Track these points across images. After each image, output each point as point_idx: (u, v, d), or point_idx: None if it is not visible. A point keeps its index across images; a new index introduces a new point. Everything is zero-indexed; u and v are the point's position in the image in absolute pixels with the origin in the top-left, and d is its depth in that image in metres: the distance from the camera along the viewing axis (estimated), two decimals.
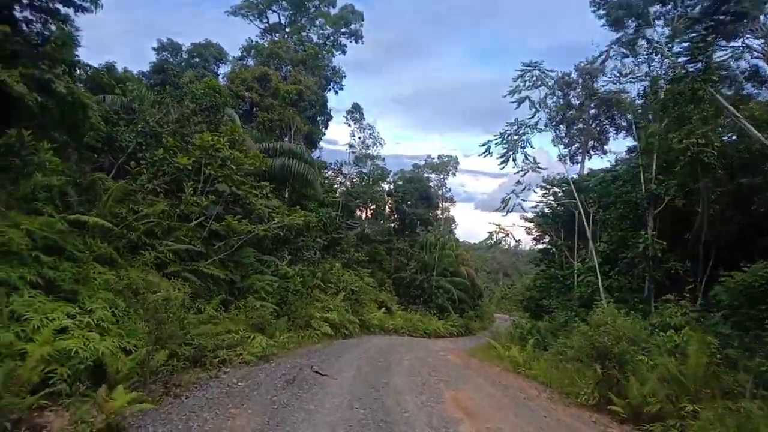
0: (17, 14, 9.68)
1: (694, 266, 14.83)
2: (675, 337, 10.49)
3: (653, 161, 16.26)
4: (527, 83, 19.67)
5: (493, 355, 15.89)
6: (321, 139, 35.15)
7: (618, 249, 17.63)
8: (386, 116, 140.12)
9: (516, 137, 19.87)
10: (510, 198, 21.37)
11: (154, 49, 33.74)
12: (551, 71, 20.53)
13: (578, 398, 9.90)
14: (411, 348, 17.54)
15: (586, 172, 33.80)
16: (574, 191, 20.31)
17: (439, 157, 50.16)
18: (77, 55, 10.98)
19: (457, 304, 39.61)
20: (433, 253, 40.05)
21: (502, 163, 20.54)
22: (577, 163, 35.35)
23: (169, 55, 33.65)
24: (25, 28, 9.85)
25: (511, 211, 22.10)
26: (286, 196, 21.60)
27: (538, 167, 20.64)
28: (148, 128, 13.83)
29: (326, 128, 35.37)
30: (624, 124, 33.35)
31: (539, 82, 19.78)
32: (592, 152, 35.59)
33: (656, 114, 17.11)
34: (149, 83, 25.35)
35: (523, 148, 20.11)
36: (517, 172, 20.42)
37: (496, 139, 20.29)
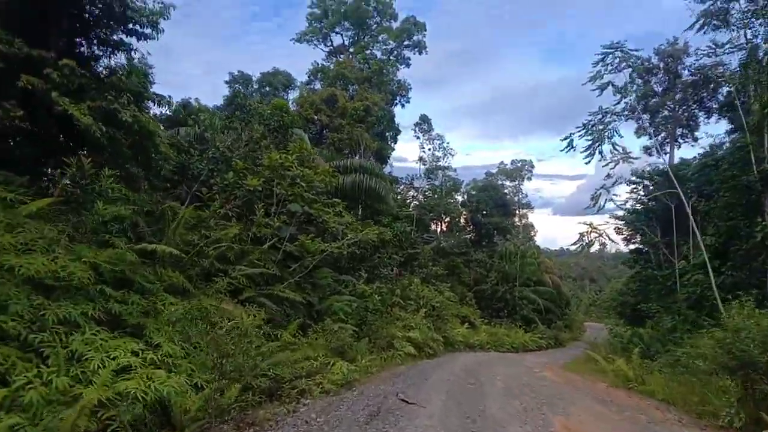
0: (84, 49, 9.76)
1: None
2: None
3: (765, 137, 13.93)
4: (609, 67, 17.91)
5: (594, 368, 14.13)
6: (390, 155, 34.56)
7: (729, 241, 15.28)
8: (455, 128, 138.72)
9: (601, 126, 18.03)
10: (600, 194, 19.46)
11: (226, 82, 34.96)
12: (635, 51, 18.60)
13: (718, 419, 8.17)
14: (501, 365, 16.12)
15: (677, 161, 30.74)
16: (674, 180, 17.94)
17: (513, 162, 48.15)
18: (146, 85, 10.89)
19: (543, 314, 37.21)
20: (513, 262, 38.03)
21: (587, 156, 18.84)
22: (666, 153, 32.20)
23: (240, 87, 34.65)
24: (92, 62, 9.87)
25: (602, 208, 20.13)
26: (360, 213, 21.01)
27: (630, 157, 18.65)
28: (218, 154, 13.71)
29: (395, 143, 34.77)
30: (715, 106, 30.07)
31: (623, 64, 17.92)
32: (681, 140, 32.29)
33: (763, 83, 14.78)
34: (223, 114, 26.05)
35: (610, 138, 18.24)
36: (606, 165, 18.56)
37: (579, 131, 18.58)
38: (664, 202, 21.19)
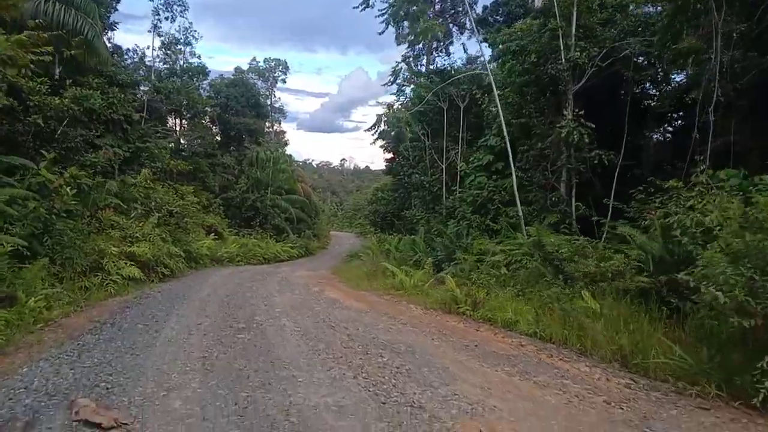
0: None
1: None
2: None
3: (573, 24, 12.13)
4: None
5: (388, 285, 11.17)
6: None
7: (519, 140, 13.85)
8: (195, 26, 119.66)
9: None
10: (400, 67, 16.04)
11: None
12: None
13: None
14: (268, 285, 11.88)
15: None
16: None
17: (266, 61, 41.89)
18: None
19: (295, 223, 34.27)
20: (265, 168, 33.44)
21: None
22: (422, 65, 31.38)
23: None
24: None
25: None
26: (58, 68, 12.95)
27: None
28: None
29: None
30: (468, 24, 30.10)
31: None
32: (435, 54, 31.77)
33: None
34: None
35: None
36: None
37: None
38: (437, 105, 19.32)
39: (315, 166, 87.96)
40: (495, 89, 13.06)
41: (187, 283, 11.52)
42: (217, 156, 32.04)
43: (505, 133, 12.41)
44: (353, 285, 12.22)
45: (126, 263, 10.17)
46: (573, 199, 11.95)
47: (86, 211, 10.24)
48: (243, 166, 34.17)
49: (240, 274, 14.80)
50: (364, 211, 46.14)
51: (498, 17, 26.83)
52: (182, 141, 31.11)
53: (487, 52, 25.63)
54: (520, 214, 11.99)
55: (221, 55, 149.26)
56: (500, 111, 12.73)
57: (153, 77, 24.65)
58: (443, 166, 18.83)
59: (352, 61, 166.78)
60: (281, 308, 8.39)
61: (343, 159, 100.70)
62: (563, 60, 11.96)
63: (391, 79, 28.89)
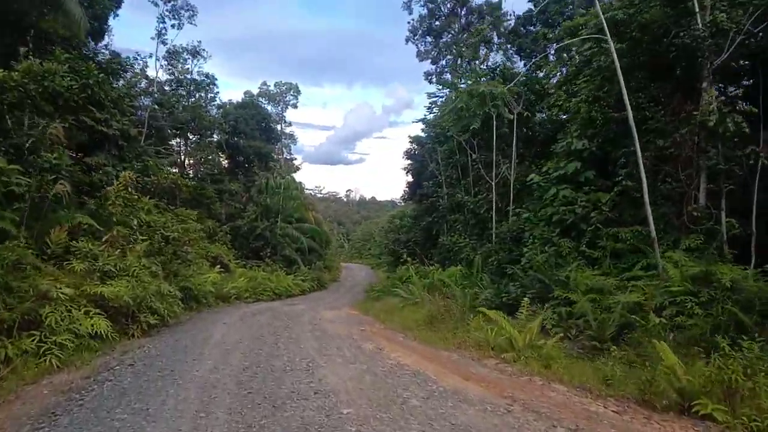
0: None
1: None
2: None
3: None
4: None
5: (477, 340, 7.29)
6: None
7: (612, 142, 10.38)
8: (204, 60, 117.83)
9: None
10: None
11: None
12: None
13: None
14: (299, 338, 7.97)
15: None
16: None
17: (276, 85, 38.85)
18: None
19: (306, 254, 30.43)
20: (275, 195, 29.89)
21: None
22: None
23: None
24: None
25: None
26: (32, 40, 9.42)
27: None
28: None
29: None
30: (497, 40, 27.10)
31: None
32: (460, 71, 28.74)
33: None
34: None
35: None
36: None
37: None
38: (483, 112, 15.85)
39: (320, 196, 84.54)
40: (609, 36, 9.29)
41: (182, 339, 7.64)
42: (224, 182, 28.49)
43: (630, 114, 8.70)
44: (416, 336, 8.33)
45: (87, 312, 6.39)
46: (724, 213, 8.27)
47: (21, 232, 6.48)
48: (251, 193, 30.65)
49: (254, 319, 10.91)
50: (378, 241, 42.29)
51: (531, 27, 23.93)
52: (187, 164, 27.67)
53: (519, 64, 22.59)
54: (653, 234, 8.27)
55: (229, 89, 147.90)
56: (619, 74, 9.00)
57: (155, 89, 21.19)
58: (492, 183, 15.19)
59: (357, 95, 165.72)
60: (346, 401, 4.51)
61: (349, 190, 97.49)
62: (699, 24, 8.49)
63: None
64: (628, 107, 8.76)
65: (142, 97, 20.89)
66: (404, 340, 8.16)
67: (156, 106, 20.35)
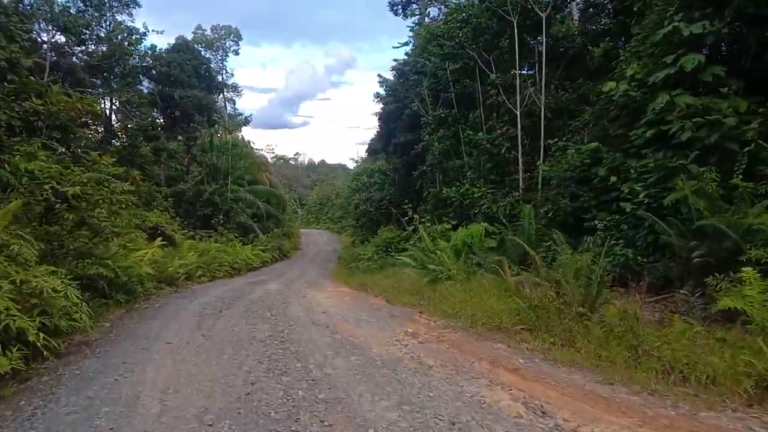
0: None
1: None
2: None
3: None
4: None
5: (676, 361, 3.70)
6: None
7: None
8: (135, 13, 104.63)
9: None
10: None
11: None
12: None
13: None
14: (307, 355, 4.07)
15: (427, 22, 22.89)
16: None
17: (213, 29, 32.63)
18: None
19: (264, 221, 26.00)
20: (223, 153, 24.95)
21: None
22: (413, 15, 23.98)
23: None
24: None
25: None
26: None
27: None
28: None
29: None
30: None
31: None
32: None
33: None
34: None
35: None
36: None
37: None
38: (495, 22, 11.98)
39: (272, 157, 78.13)
40: None
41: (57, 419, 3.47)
42: (161, 139, 23.08)
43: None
44: (572, 362, 4.55)
45: None
46: None
47: None
48: (194, 152, 25.51)
49: (220, 325, 6.81)
50: (338, 204, 38.12)
51: None
52: (114, 119, 21.93)
53: None
54: None
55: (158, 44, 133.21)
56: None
57: (56, 9, 15.24)
58: (518, 112, 11.51)
59: (297, 55, 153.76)
60: None
61: (297, 153, 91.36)
62: None
63: None
64: None
65: (42, 21, 15.15)
66: (568, 384, 4.31)
67: (60, 34, 14.76)
